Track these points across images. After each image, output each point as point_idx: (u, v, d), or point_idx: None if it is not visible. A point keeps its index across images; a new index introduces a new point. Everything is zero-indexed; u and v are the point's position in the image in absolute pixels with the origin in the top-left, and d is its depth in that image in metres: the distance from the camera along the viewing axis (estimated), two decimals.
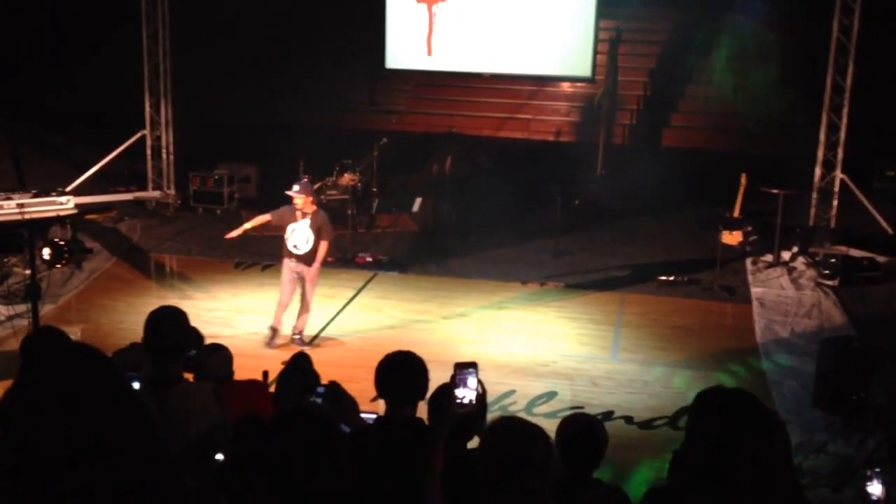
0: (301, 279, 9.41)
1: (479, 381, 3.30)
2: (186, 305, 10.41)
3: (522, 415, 8.15)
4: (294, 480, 2.55)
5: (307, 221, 9.26)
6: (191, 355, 5.04)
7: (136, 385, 4.14)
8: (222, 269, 12.16)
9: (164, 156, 14.82)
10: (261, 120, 16.19)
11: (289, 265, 9.40)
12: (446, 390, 4.12)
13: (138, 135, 14.75)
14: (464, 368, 3.98)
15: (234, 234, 9.77)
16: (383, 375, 4.05)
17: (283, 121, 15.79)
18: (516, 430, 2.85)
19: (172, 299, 11.06)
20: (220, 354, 5.02)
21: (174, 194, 14.82)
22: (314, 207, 9.37)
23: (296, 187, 9.31)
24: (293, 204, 9.29)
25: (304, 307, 9.53)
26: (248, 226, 9.66)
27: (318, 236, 9.27)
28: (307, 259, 9.29)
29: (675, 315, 10.82)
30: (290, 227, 9.30)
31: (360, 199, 14.28)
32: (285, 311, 9.54)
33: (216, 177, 14.62)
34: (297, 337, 9.55)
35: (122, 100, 15.65)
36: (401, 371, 4.06)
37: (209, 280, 11.69)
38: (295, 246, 9.29)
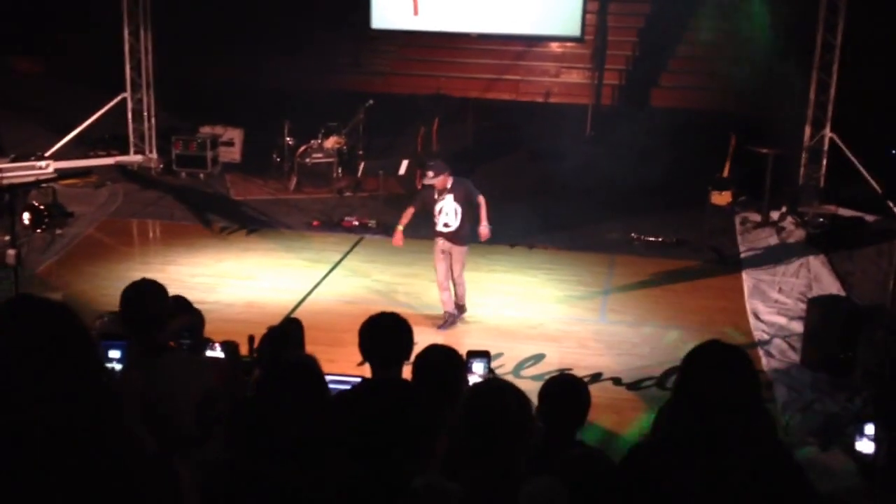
0: (449, 256, 9.07)
1: (491, 370, 3.33)
2: (170, 271, 10.51)
3: (510, 377, 8.11)
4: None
5: (450, 196, 8.89)
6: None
7: (118, 353, 4.07)
8: (206, 235, 12.03)
9: (146, 119, 14.61)
10: (244, 82, 15.97)
11: (438, 244, 9.07)
12: (434, 351, 4.10)
13: (119, 97, 14.52)
14: (474, 357, 4.02)
15: (398, 239, 9.26)
16: (367, 337, 4.02)
17: (267, 83, 15.57)
18: (496, 390, 2.83)
19: (155, 265, 10.97)
20: (186, 318, 4.91)
21: (156, 158, 14.63)
22: (451, 179, 8.94)
23: (430, 173, 8.87)
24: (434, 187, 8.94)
25: (456, 284, 9.16)
26: (401, 227, 9.21)
27: (469, 204, 8.91)
28: (457, 234, 8.93)
29: (663, 276, 10.76)
30: (436, 207, 8.95)
31: (346, 161, 14.15)
32: (448, 291, 9.19)
33: (199, 140, 14.43)
34: (449, 317, 9.19)
35: (103, 61, 15.38)
36: (384, 332, 4.02)
37: (193, 245, 11.55)
38: (445, 224, 8.94)
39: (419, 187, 13.82)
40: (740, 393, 2.50)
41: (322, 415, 2.86)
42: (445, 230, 8.96)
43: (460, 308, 9.26)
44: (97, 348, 2.12)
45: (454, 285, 9.18)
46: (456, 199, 8.87)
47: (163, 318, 4.10)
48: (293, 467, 2.77)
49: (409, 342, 4.05)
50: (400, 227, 9.17)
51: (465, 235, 9.00)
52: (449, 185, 8.87)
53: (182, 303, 4.90)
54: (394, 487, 2.73)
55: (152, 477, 2.09)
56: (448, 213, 8.91)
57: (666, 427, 2.71)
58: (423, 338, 4.71)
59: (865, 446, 5.34)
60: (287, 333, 4.75)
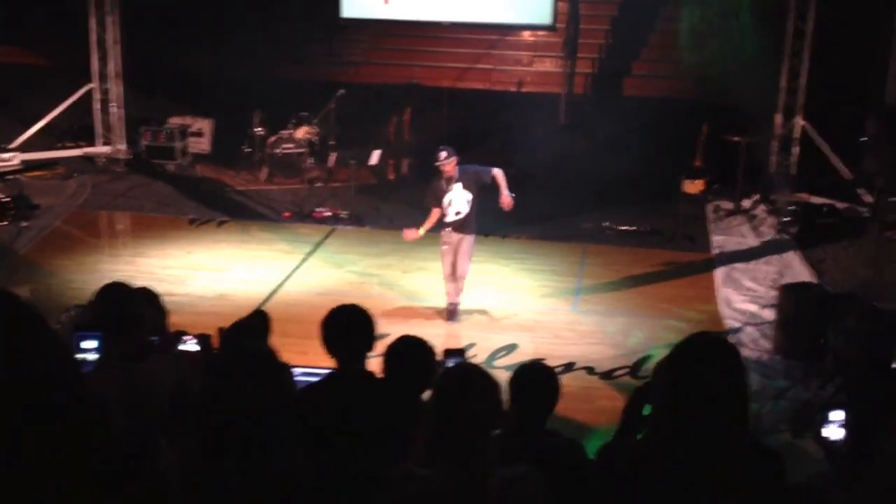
0: (455, 249, 8.94)
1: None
2: (140, 263, 10.37)
3: (483, 368, 8.08)
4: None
5: (459, 184, 8.72)
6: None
7: (94, 343, 3.98)
8: (176, 226, 11.90)
9: (113, 109, 14.41)
10: (214, 72, 15.78)
11: (446, 235, 8.90)
12: (405, 342, 4.07)
13: (86, 88, 14.32)
14: (451, 356, 4.03)
15: (412, 234, 9.07)
16: (329, 331, 3.98)
17: (237, 72, 15.40)
18: (465, 375, 2.82)
19: (125, 257, 10.85)
20: (149, 311, 4.82)
21: (125, 149, 14.45)
22: (458, 167, 8.75)
23: (443, 154, 8.67)
24: (440, 174, 8.75)
25: (457, 276, 9.03)
26: (423, 231, 8.99)
27: (479, 188, 8.77)
28: (466, 221, 8.79)
29: (636, 265, 10.77)
30: (446, 200, 8.78)
31: (317, 152, 14.05)
32: (454, 281, 9.05)
33: (168, 131, 14.27)
34: (453, 309, 9.13)
35: (69, 51, 15.15)
36: (346, 326, 3.98)
37: (163, 237, 11.43)
38: (457, 213, 8.77)
39: (391, 178, 13.77)
40: (729, 387, 2.47)
41: (281, 404, 2.81)
42: (457, 218, 8.81)
43: (456, 307, 9.16)
44: (58, 339, 2.07)
45: (459, 280, 9.04)
46: (465, 187, 8.74)
47: (141, 319, 4.02)
48: (256, 458, 2.74)
49: (371, 334, 4.01)
50: (421, 232, 8.97)
51: (474, 223, 8.89)
52: (456, 174, 8.74)
53: (145, 296, 4.81)
54: (362, 477, 2.70)
55: (131, 457, 2.07)
56: (459, 201, 8.76)
57: (646, 419, 2.68)
58: (397, 328, 4.67)
59: (831, 432, 5.35)
60: (250, 326, 4.69)
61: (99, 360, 3.92)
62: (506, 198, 8.77)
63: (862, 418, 5.46)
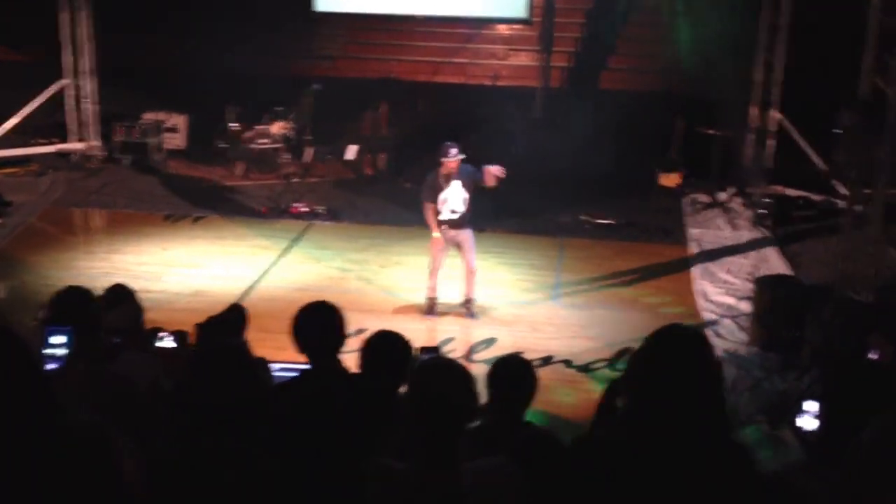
0: (457, 245, 8.88)
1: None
2: (115, 260, 10.29)
3: (462, 362, 8.08)
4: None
5: (458, 183, 8.66)
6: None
7: (63, 338, 3.94)
8: (151, 223, 11.81)
9: (87, 105, 14.26)
10: (188, 67, 15.65)
11: (444, 233, 8.81)
12: (381, 337, 4.06)
13: (59, 84, 14.16)
14: (426, 353, 4.03)
15: (439, 241, 8.92)
16: (297, 330, 3.96)
17: (211, 67, 15.28)
18: (440, 367, 2.84)
19: (100, 253, 10.76)
20: (125, 308, 4.79)
21: (98, 146, 14.30)
22: (458, 170, 8.68)
23: (453, 150, 8.57)
24: (442, 170, 8.66)
25: (470, 272, 8.95)
26: (437, 233, 8.87)
27: (474, 185, 8.69)
28: (463, 219, 8.75)
29: (614, 258, 10.80)
30: (441, 197, 8.71)
31: (293, 147, 13.98)
32: (437, 278, 9.01)
33: (142, 127, 14.16)
34: (469, 304, 9.05)
35: (41, 47, 14.99)
36: (314, 323, 3.96)
37: (138, 234, 11.34)
38: (452, 211, 8.72)
39: (368, 172, 13.72)
40: (701, 379, 2.48)
41: (254, 400, 2.80)
42: (452, 216, 8.76)
43: (470, 302, 9.06)
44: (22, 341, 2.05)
45: (467, 275, 8.96)
46: (464, 186, 8.69)
47: (98, 322, 3.96)
48: (230, 454, 2.72)
49: (340, 330, 3.99)
50: (436, 235, 8.88)
51: (469, 219, 8.85)
52: (457, 172, 8.69)
53: (120, 293, 4.76)
54: (337, 473, 2.69)
55: (86, 453, 2.05)
56: (456, 199, 8.71)
57: (619, 413, 2.69)
58: (375, 323, 4.65)
59: (805, 422, 5.39)
60: (226, 321, 4.65)
61: (67, 356, 3.87)
62: (495, 169, 8.63)
63: (835, 409, 5.50)
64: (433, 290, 9.08)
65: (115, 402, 3.55)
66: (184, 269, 10.17)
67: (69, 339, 3.91)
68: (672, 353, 2.51)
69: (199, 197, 12.78)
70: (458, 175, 8.67)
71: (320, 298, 4.15)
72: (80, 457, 2.04)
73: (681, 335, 2.59)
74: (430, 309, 9.10)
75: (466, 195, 8.71)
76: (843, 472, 2.52)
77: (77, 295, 3.95)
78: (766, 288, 8.55)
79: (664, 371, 2.48)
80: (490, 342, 8.54)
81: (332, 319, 3.99)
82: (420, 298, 9.28)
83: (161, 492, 2.73)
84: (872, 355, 6.58)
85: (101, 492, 2.14)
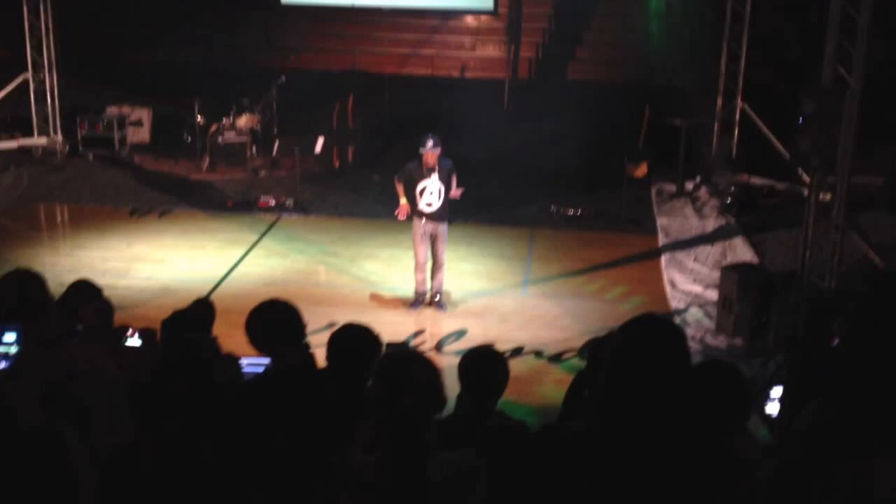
0: (432, 237, 8.88)
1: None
2: (80, 256, 10.19)
3: (432, 354, 8.09)
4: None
5: (436, 175, 8.65)
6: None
7: (12, 335, 3.88)
8: (116, 218, 11.69)
9: (49, 100, 14.09)
10: (152, 60, 15.52)
11: (419, 224, 8.82)
12: (348, 331, 4.05)
13: (20, 78, 13.97)
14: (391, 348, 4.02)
15: (403, 212, 8.93)
16: (253, 328, 3.96)
17: (175, 60, 15.16)
18: (404, 360, 2.87)
19: (64, 249, 10.65)
20: (96, 305, 4.73)
21: (62, 140, 14.14)
22: (437, 162, 8.69)
23: (429, 143, 8.59)
24: (424, 161, 8.64)
25: (438, 265, 8.96)
26: (403, 199, 8.89)
27: (449, 181, 8.73)
28: (439, 215, 8.76)
29: (583, 248, 10.85)
30: (419, 186, 8.69)
31: (260, 140, 13.90)
32: (425, 272, 9.00)
33: (106, 121, 14.01)
34: (438, 297, 9.05)
35: (2, 41, 14.78)
36: (270, 321, 3.98)
37: (103, 229, 11.22)
38: (428, 204, 8.72)
39: (336, 165, 13.66)
40: (673, 369, 2.49)
41: (217, 396, 2.79)
42: (428, 210, 8.77)
43: (440, 294, 9.09)
44: None
45: (435, 268, 9.00)
46: (440, 178, 8.71)
47: (43, 307, 3.90)
48: (194, 449, 2.71)
49: (296, 327, 3.99)
50: (404, 201, 8.91)
51: (446, 212, 8.86)
52: (436, 165, 8.70)
53: (87, 290, 4.70)
54: (304, 467, 2.68)
55: (33, 450, 2.03)
56: (433, 192, 8.73)
57: (589, 404, 2.70)
58: (345, 316, 4.64)
59: (773, 409, 5.46)
60: (193, 316, 4.61)
61: (17, 352, 3.82)
62: (455, 190, 8.80)
63: (798, 395, 5.57)
64: (422, 283, 9.06)
65: (65, 390, 3.50)
66: (150, 265, 10.08)
67: (18, 337, 3.86)
68: (644, 342, 2.51)
69: (165, 191, 12.67)
70: (438, 168, 8.68)
71: (285, 293, 4.14)
72: (34, 463, 2.01)
73: (653, 324, 2.59)
74: (417, 302, 9.08)
75: (443, 187, 8.72)
76: (776, 460, 2.54)
77: (15, 283, 3.87)
78: (731, 275, 8.62)
79: (638, 360, 2.48)
80: (460, 334, 8.54)
81: (291, 316, 3.98)
82: (390, 291, 9.28)
83: (119, 487, 2.71)
84: (836, 342, 6.66)
85: (55, 496, 2.12)
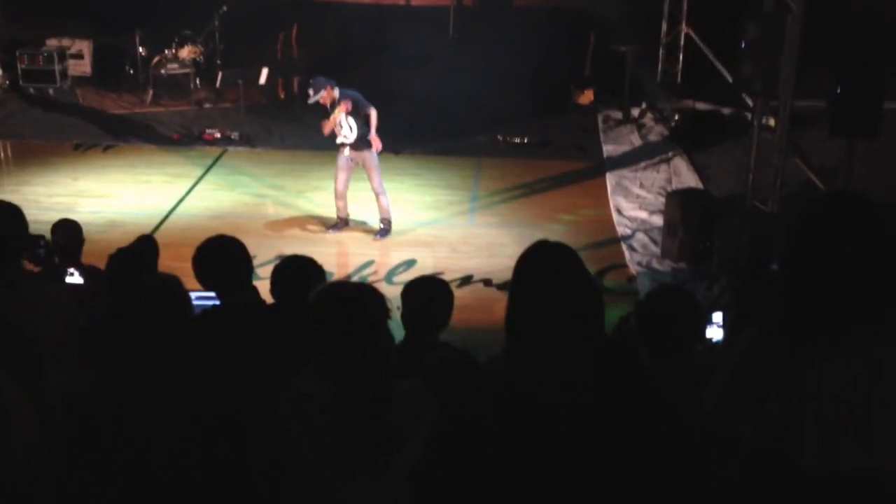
0: (362, 166, 8.95)
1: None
2: (24, 192, 10.05)
3: (382, 285, 8.15)
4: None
5: (342, 110, 8.70)
6: (38, 252, 4.79)
7: None
8: (60, 152, 11.50)
9: None
10: None
11: (344, 154, 8.92)
12: (289, 264, 4.07)
13: None
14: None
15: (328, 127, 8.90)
16: (199, 266, 3.92)
17: None
18: (351, 290, 2.84)
19: (8, 186, 10.46)
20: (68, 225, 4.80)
21: (1, 75, 13.78)
22: (337, 92, 8.77)
23: (310, 92, 8.74)
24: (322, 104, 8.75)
25: (375, 194, 9.03)
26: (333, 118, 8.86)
27: (359, 115, 8.75)
28: (359, 143, 8.81)
29: (530, 176, 10.90)
30: (337, 123, 8.79)
31: (203, 72, 13.66)
32: (344, 199, 9.09)
33: (45, 54, 13.65)
34: (384, 225, 9.14)
35: None
36: (216, 259, 3.94)
37: (47, 164, 11.04)
38: (344, 136, 8.82)
39: (281, 97, 13.50)
40: (574, 294, 2.54)
41: (184, 337, 2.82)
42: (346, 141, 8.87)
43: (386, 222, 9.16)
44: None
45: (376, 196, 9.06)
46: (348, 113, 8.75)
47: (23, 242, 3.88)
48: (151, 389, 2.74)
49: (243, 265, 3.96)
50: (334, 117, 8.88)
51: (364, 141, 8.87)
52: (336, 101, 8.73)
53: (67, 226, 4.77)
54: (258, 397, 2.72)
55: None
56: (343, 125, 8.80)
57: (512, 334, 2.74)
58: (293, 249, 4.67)
59: (714, 333, 5.60)
60: (136, 253, 4.61)
61: None
62: (374, 140, 8.86)
63: (739, 319, 5.73)
64: (342, 210, 9.17)
65: (19, 329, 3.50)
66: (96, 200, 9.98)
67: None
68: (543, 269, 2.55)
69: (109, 125, 12.45)
70: (342, 104, 8.71)
71: (232, 226, 4.15)
72: None
73: (548, 249, 2.61)
74: (335, 227, 9.21)
75: (354, 122, 8.79)
76: (709, 388, 2.59)
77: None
78: (676, 201, 8.75)
79: (534, 291, 2.52)
80: (409, 264, 8.61)
81: (237, 254, 3.95)
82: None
83: (80, 428, 2.74)
84: (777, 265, 6.84)
85: None
